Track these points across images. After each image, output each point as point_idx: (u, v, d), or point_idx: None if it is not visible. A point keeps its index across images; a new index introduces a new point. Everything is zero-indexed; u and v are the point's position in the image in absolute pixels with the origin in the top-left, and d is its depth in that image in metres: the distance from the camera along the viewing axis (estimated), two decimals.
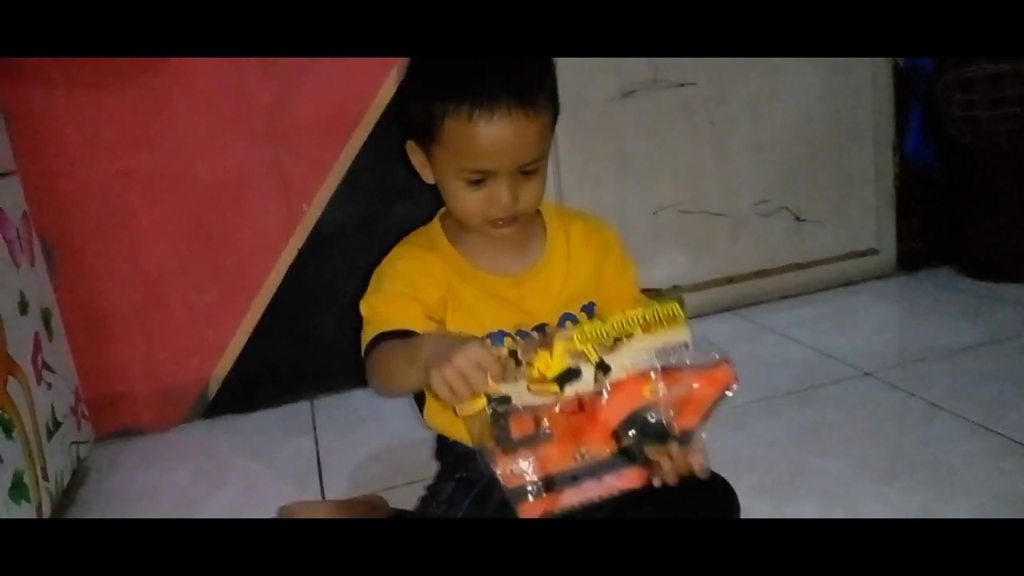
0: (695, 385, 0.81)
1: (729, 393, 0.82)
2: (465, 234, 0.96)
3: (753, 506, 0.99)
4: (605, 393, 0.79)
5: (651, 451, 0.78)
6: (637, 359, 0.79)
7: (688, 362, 0.81)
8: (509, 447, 0.77)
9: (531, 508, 0.79)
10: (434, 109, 0.84)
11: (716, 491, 0.91)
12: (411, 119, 0.90)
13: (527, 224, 0.96)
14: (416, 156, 0.93)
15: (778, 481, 1.15)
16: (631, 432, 0.80)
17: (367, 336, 0.90)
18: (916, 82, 1.89)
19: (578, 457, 0.80)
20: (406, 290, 0.92)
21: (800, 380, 1.48)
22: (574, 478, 0.80)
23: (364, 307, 0.93)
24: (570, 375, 0.77)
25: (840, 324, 1.77)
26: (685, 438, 0.81)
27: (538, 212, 0.99)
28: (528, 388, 0.76)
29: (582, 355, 0.77)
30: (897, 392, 1.39)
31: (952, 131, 1.80)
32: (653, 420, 0.80)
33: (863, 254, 2.03)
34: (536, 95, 0.84)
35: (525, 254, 0.98)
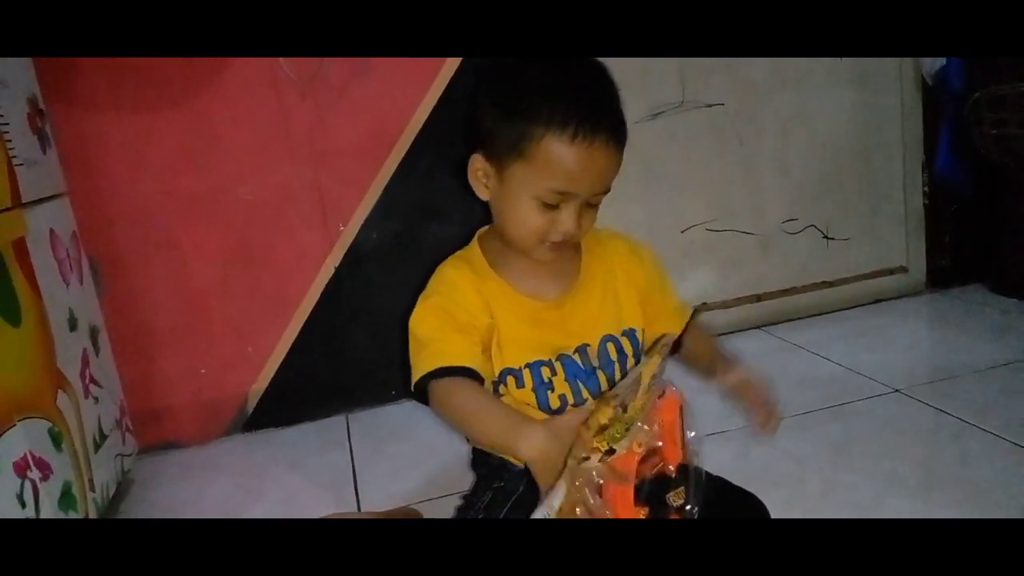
0: (660, 418, 0.78)
1: (685, 412, 0.81)
2: (506, 258, 0.96)
3: None
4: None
5: (671, 497, 0.79)
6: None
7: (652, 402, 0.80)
8: None
9: None
10: (534, 126, 0.83)
11: (747, 507, 0.92)
12: (493, 132, 0.88)
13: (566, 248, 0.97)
14: (480, 170, 0.91)
15: (808, 497, 1.15)
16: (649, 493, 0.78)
17: (424, 363, 0.89)
18: (945, 100, 1.88)
19: None
20: (461, 315, 0.91)
21: (830, 397, 1.48)
22: None
23: (419, 327, 0.92)
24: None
25: (869, 341, 1.76)
26: (682, 474, 0.80)
27: None
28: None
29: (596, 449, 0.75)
30: (927, 409, 1.39)
31: (982, 149, 1.80)
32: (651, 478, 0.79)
33: (892, 272, 2.03)
34: (626, 130, 0.87)
35: (563, 278, 0.97)
